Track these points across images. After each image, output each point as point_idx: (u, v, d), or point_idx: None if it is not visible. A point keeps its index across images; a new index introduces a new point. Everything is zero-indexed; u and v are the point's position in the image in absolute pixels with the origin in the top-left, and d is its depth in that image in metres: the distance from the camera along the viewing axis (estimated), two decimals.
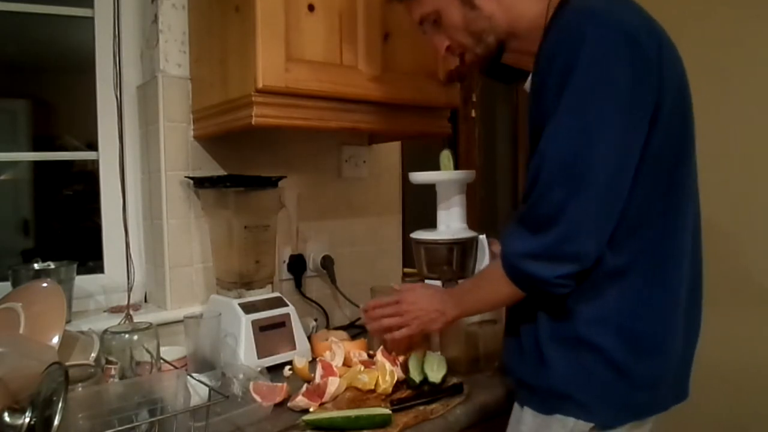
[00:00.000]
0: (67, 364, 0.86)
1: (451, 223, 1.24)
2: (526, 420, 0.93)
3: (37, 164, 1.51)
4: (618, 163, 0.80)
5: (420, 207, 1.52)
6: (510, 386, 1.06)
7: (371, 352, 1.24)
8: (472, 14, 0.94)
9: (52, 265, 1.30)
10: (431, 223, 1.27)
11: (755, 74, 1.84)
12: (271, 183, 1.37)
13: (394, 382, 1.07)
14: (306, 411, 1.00)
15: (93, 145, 1.45)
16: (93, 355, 1.03)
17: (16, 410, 0.72)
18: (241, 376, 1.07)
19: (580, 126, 0.78)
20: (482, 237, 1.26)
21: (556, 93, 0.80)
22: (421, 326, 1.03)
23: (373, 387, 1.06)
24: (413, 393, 1.05)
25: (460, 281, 1.11)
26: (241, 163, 1.46)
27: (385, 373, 1.07)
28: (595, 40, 0.77)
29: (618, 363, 0.85)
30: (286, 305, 1.32)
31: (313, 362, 1.21)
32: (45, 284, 1.11)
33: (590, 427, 0.86)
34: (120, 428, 0.80)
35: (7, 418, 0.72)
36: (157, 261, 1.41)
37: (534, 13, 0.91)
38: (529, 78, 0.96)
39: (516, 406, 0.99)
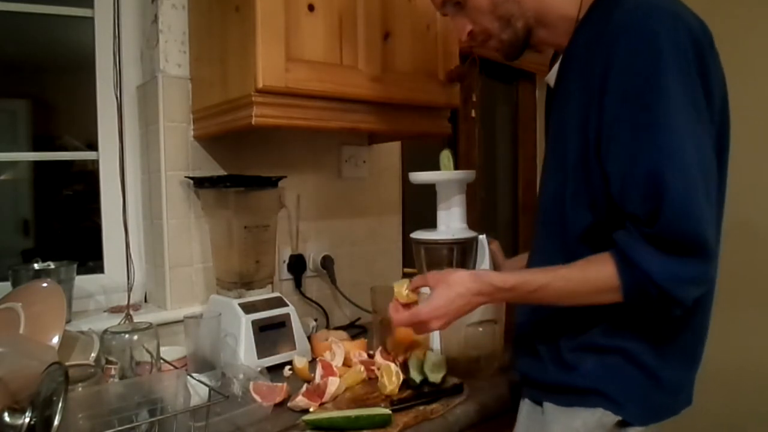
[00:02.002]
0: (67, 364, 0.86)
1: (451, 223, 1.24)
2: (549, 414, 0.91)
3: (37, 164, 1.50)
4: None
5: (420, 207, 1.52)
6: (515, 381, 1.06)
7: (371, 352, 1.24)
8: None
9: (52, 265, 1.30)
10: (431, 223, 1.27)
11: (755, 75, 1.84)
12: (271, 183, 1.37)
13: (400, 382, 1.07)
14: (306, 411, 1.00)
15: (93, 145, 1.45)
16: (93, 355, 1.03)
17: (16, 410, 0.73)
18: (241, 376, 1.07)
19: (691, 131, 0.75)
20: (482, 237, 1.26)
21: (634, 94, 0.76)
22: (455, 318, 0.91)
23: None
24: (413, 393, 1.05)
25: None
26: (241, 163, 1.46)
27: (391, 374, 1.07)
28: (672, 42, 0.75)
29: (646, 365, 0.85)
30: (286, 305, 1.32)
31: (313, 362, 1.22)
32: (45, 284, 1.11)
33: (617, 420, 0.85)
34: (120, 428, 0.80)
35: (7, 418, 0.72)
36: (157, 261, 1.41)
37: (564, 2, 0.89)
38: (554, 70, 0.94)
39: (528, 403, 0.97)
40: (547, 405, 0.92)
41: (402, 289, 0.96)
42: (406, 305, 0.95)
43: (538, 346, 0.95)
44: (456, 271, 0.92)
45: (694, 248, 0.74)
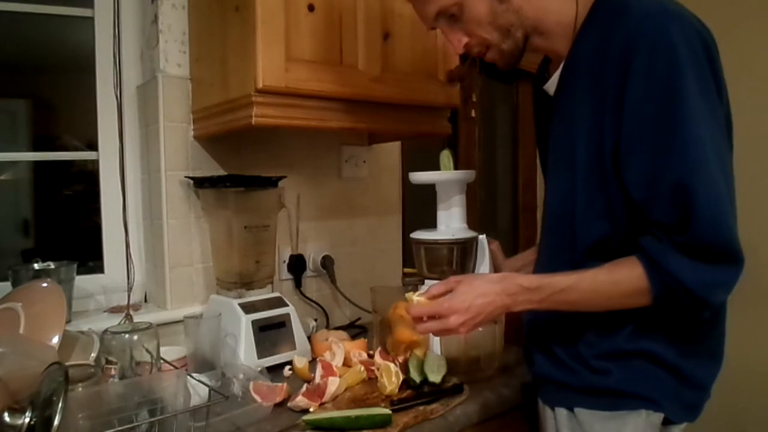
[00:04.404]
0: (67, 364, 0.86)
1: (451, 223, 1.24)
2: (587, 422, 0.88)
3: (37, 164, 1.50)
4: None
5: (420, 207, 1.52)
6: (526, 381, 1.04)
7: (371, 352, 1.24)
8: (501, 7, 0.89)
9: (52, 265, 1.30)
10: (431, 223, 1.27)
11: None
12: (271, 183, 1.37)
13: (400, 382, 1.07)
14: (306, 411, 1.00)
15: (93, 145, 1.45)
16: (93, 355, 1.03)
17: (16, 410, 0.72)
18: (241, 376, 1.07)
19: (712, 139, 0.75)
20: (482, 237, 1.26)
21: (655, 104, 0.76)
22: (477, 325, 0.89)
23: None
24: (413, 393, 1.05)
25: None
26: (241, 163, 1.46)
27: (391, 374, 1.07)
28: (688, 48, 0.75)
29: (673, 365, 0.84)
30: (286, 305, 1.32)
31: (313, 362, 1.21)
32: (45, 284, 1.11)
33: (662, 417, 0.85)
34: (120, 428, 0.80)
35: (7, 418, 0.72)
36: (157, 261, 1.41)
37: (561, 9, 0.88)
38: (555, 78, 0.93)
39: (559, 410, 0.93)
40: (581, 411, 0.89)
41: (413, 296, 0.95)
42: None
43: (554, 348, 0.93)
44: (481, 273, 0.90)
45: (726, 255, 0.75)
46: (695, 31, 0.77)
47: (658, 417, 0.85)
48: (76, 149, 1.52)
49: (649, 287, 0.79)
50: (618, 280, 0.81)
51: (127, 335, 1.02)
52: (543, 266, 0.98)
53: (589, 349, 0.88)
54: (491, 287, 0.87)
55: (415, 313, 0.91)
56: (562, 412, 0.92)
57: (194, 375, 1.03)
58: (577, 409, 0.90)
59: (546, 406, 0.97)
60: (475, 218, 1.91)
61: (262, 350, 1.23)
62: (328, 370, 1.11)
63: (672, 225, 0.76)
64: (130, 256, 1.41)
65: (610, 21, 0.81)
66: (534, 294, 0.86)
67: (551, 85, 0.95)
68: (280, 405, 1.03)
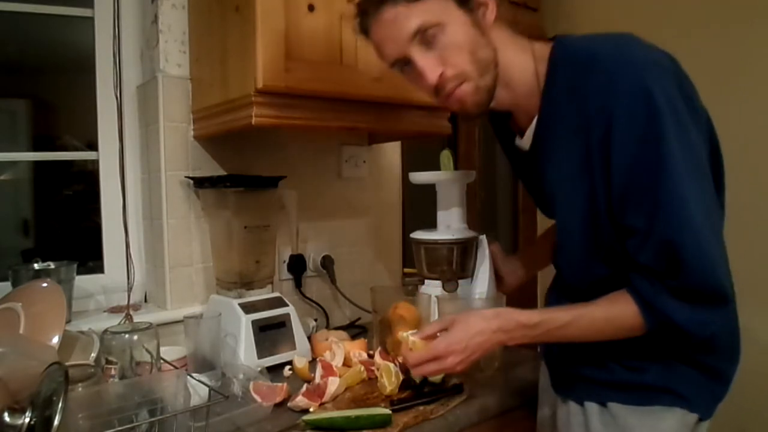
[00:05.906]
0: (67, 364, 0.86)
1: (451, 223, 1.24)
2: (622, 417, 0.88)
3: (37, 164, 1.51)
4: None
5: (420, 207, 1.52)
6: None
7: (371, 352, 1.24)
8: (482, 40, 0.85)
9: (52, 265, 1.30)
10: (431, 223, 1.27)
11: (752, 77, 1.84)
12: (271, 183, 1.37)
13: (400, 382, 1.07)
14: (306, 411, 1.00)
15: (93, 145, 1.45)
16: (93, 355, 1.04)
17: (16, 410, 0.73)
18: (241, 376, 1.07)
19: (697, 190, 0.76)
20: (482, 237, 1.26)
21: (640, 165, 0.76)
22: (474, 362, 0.92)
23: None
24: (413, 393, 1.05)
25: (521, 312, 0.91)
26: (241, 163, 1.46)
27: (391, 374, 1.07)
28: (665, 96, 0.75)
29: (701, 362, 0.87)
30: (286, 305, 1.32)
31: (313, 362, 1.21)
32: (45, 284, 1.11)
33: (696, 419, 0.86)
34: (120, 428, 0.80)
35: (7, 418, 0.72)
36: (157, 261, 1.41)
37: (522, 62, 0.87)
38: (529, 135, 0.92)
39: (590, 405, 0.92)
40: (614, 405, 0.88)
41: (409, 337, 0.96)
42: None
43: (584, 348, 0.92)
44: (476, 310, 0.92)
45: (716, 297, 0.78)
46: (665, 71, 0.77)
47: (693, 417, 0.86)
48: (76, 149, 1.52)
49: (644, 323, 0.82)
50: (613, 318, 0.84)
51: (127, 335, 1.02)
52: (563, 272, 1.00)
53: (622, 351, 0.89)
54: (487, 325, 0.89)
55: (413, 362, 0.93)
56: (592, 407, 0.92)
57: (194, 375, 1.03)
58: (610, 404, 0.89)
59: (571, 402, 0.96)
60: (475, 218, 1.91)
61: (262, 350, 1.23)
62: (328, 370, 1.11)
63: (661, 271, 0.79)
64: (130, 256, 1.41)
65: (580, 74, 0.80)
66: (531, 330, 0.88)
67: (526, 141, 0.94)
68: (280, 405, 1.03)
